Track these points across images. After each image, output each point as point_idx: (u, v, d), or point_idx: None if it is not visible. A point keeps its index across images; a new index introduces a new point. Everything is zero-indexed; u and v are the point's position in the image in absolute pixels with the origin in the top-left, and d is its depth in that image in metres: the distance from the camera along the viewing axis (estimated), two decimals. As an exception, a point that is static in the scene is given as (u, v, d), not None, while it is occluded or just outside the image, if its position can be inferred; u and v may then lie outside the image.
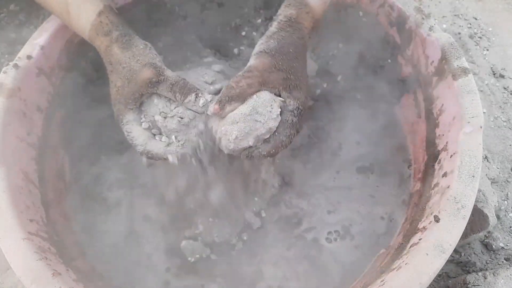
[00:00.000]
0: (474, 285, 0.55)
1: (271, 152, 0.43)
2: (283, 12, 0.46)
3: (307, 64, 0.46)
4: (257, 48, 0.45)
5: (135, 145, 0.46)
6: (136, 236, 0.55)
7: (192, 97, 0.44)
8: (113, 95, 0.47)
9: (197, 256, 0.53)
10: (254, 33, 0.70)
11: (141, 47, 0.47)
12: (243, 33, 0.70)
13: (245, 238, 0.55)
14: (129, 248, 0.54)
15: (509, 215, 0.69)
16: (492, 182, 0.71)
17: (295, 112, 0.43)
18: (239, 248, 0.54)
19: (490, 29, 0.96)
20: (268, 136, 0.43)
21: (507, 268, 0.56)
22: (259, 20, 0.67)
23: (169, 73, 0.45)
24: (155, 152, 0.45)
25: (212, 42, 0.70)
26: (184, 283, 0.52)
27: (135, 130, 0.46)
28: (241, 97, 0.42)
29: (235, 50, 0.69)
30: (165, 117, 0.45)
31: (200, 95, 0.44)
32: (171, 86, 0.44)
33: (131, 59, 0.45)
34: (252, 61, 0.44)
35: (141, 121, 0.47)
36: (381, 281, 0.41)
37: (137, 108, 0.47)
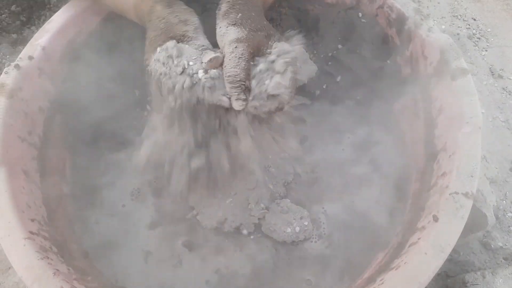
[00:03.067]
0: (473, 284, 0.56)
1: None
2: None
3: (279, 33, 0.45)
4: (222, 29, 0.43)
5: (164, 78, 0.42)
6: (137, 236, 0.55)
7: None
8: (146, 47, 0.46)
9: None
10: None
11: (183, 7, 0.47)
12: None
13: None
14: (131, 247, 0.54)
15: (508, 214, 0.70)
16: (490, 182, 0.72)
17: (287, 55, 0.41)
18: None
19: (489, 30, 0.97)
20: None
21: (506, 267, 0.57)
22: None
23: (201, 35, 0.45)
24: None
25: (212, 41, 0.70)
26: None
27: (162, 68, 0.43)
28: (247, 76, 0.40)
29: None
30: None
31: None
32: (199, 47, 0.43)
33: (170, 14, 0.45)
34: (229, 37, 0.42)
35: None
36: (380, 280, 0.41)
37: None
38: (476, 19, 0.98)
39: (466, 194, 0.42)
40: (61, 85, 0.57)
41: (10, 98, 0.50)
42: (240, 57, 0.40)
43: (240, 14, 0.43)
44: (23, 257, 0.41)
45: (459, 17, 0.98)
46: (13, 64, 0.52)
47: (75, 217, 0.55)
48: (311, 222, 0.55)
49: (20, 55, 0.53)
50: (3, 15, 0.87)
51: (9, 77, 0.51)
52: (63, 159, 0.58)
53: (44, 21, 0.57)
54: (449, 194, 0.43)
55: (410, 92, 0.61)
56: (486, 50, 0.93)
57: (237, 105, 0.39)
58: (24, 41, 0.55)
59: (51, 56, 0.55)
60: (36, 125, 0.54)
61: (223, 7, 0.45)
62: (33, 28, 0.86)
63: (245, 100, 0.39)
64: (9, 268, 0.61)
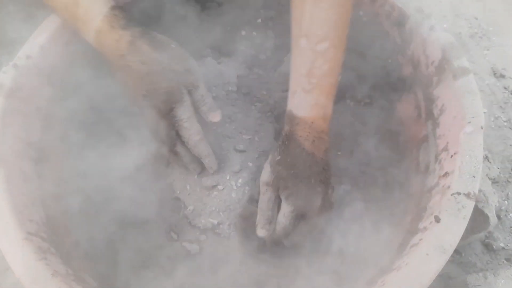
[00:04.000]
0: (474, 286, 0.55)
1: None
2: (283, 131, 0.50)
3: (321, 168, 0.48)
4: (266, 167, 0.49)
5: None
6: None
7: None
8: (160, 94, 0.47)
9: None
10: (254, 33, 0.70)
11: (173, 46, 0.48)
12: (243, 33, 0.70)
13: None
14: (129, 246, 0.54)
15: (510, 215, 0.69)
16: (492, 182, 0.71)
17: (287, 214, 0.47)
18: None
19: (491, 29, 0.96)
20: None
21: (508, 268, 0.56)
22: (259, 20, 0.67)
23: (202, 84, 0.49)
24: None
25: (212, 41, 0.70)
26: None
27: (195, 124, 0.49)
28: (272, 211, 0.48)
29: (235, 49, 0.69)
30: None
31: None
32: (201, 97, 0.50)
33: (171, 61, 0.47)
34: (262, 175, 0.49)
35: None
36: (381, 281, 0.41)
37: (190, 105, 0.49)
38: (478, 18, 0.98)
39: (468, 195, 0.42)
40: (59, 84, 0.57)
41: (8, 98, 0.49)
42: (267, 200, 0.48)
43: (278, 157, 0.48)
44: (21, 258, 0.40)
45: (460, 16, 0.98)
46: (11, 63, 0.52)
47: (74, 217, 0.55)
48: None
49: (18, 54, 0.53)
50: (1, 14, 0.86)
51: (7, 76, 0.50)
52: (62, 159, 0.58)
53: (43, 19, 0.57)
54: (451, 195, 0.42)
55: (411, 92, 0.60)
56: (488, 49, 0.92)
57: (260, 232, 0.48)
58: (22, 40, 0.55)
59: (50, 55, 0.55)
60: (35, 125, 0.53)
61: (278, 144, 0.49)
62: (31, 27, 0.86)
63: (268, 230, 0.47)
64: (7, 269, 0.61)
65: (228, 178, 0.55)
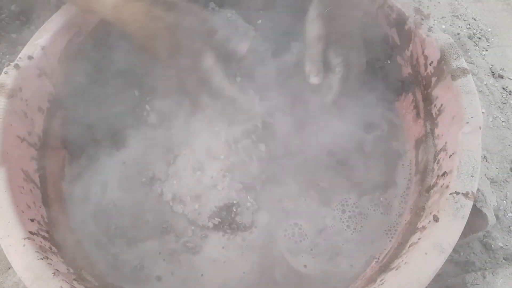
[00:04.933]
0: (473, 285, 0.56)
1: None
2: None
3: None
4: (313, 13, 0.53)
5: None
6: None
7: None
8: (179, 54, 0.49)
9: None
10: (254, 33, 0.70)
11: (183, 4, 0.50)
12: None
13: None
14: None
15: (508, 214, 0.70)
16: (491, 182, 0.72)
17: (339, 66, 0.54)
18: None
19: (489, 29, 0.97)
20: None
21: (506, 268, 0.57)
22: (259, 22, 0.67)
23: (219, 29, 0.52)
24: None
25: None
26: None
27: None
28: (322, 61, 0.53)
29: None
30: None
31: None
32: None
33: (186, 18, 0.49)
34: (314, 32, 0.53)
35: None
36: (380, 280, 0.41)
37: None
38: (477, 19, 0.98)
39: (466, 194, 0.42)
40: (60, 85, 0.57)
41: (9, 98, 0.50)
42: (318, 52, 0.53)
43: (330, 8, 0.51)
44: (23, 257, 0.40)
45: (459, 16, 0.98)
46: (12, 64, 0.52)
47: (75, 217, 0.55)
48: None
49: (20, 55, 0.53)
50: (2, 15, 0.87)
51: (8, 77, 0.51)
52: (63, 159, 0.58)
53: (44, 21, 0.57)
54: (450, 194, 0.43)
55: (410, 92, 0.61)
56: (487, 50, 0.92)
57: (314, 80, 0.53)
58: (23, 41, 0.55)
59: (51, 56, 0.55)
60: (36, 125, 0.54)
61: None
62: (32, 28, 0.86)
63: (321, 78, 0.52)
64: (9, 268, 0.61)
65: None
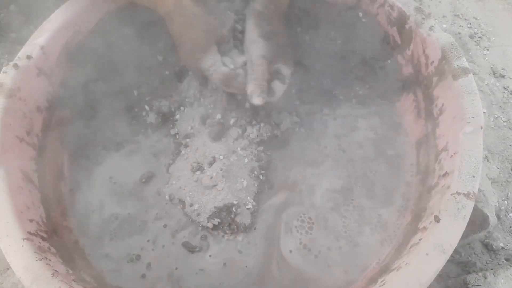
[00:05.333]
0: (474, 285, 0.55)
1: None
2: None
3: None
4: (252, 36, 0.53)
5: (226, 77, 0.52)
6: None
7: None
8: (189, 45, 0.51)
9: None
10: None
11: (212, 2, 0.53)
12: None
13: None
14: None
15: (509, 215, 0.69)
16: (492, 182, 0.71)
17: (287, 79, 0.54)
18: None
19: (490, 29, 0.96)
20: None
21: (507, 268, 0.56)
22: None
23: (231, 37, 0.54)
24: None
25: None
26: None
27: (222, 67, 0.52)
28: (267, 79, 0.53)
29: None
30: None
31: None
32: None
33: (210, 14, 0.51)
34: (258, 51, 0.52)
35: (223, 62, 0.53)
36: (381, 281, 0.41)
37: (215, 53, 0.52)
38: (478, 18, 0.98)
39: (467, 195, 0.42)
40: (59, 84, 0.57)
41: (8, 98, 0.49)
42: (263, 71, 0.52)
43: (270, 27, 0.53)
44: (22, 258, 0.40)
45: (460, 16, 0.98)
46: (11, 63, 0.52)
47: (74, 217, 0.55)
48: None
49: (19, 55, 0.53)
50: (1, 14, 0.86)
51: (7, 76, 0.50)
52: (62, 159, 0.58)
53: (43, 20, 0.57)
54: (451, 195, 0.42)
55: (411, 92, 0.61)
56: (488, 50, 0.92)
57: (257, 100, 0.51)
58: (22, 41, 0.55)
59: (50, 56, 0.55)
60: (35, 125, 0.53)
61: (257, 6, 0.53)
62: (31, 27, 0.86)
63: (264, 98, 0.51)
64: (8, 268, 0.61)
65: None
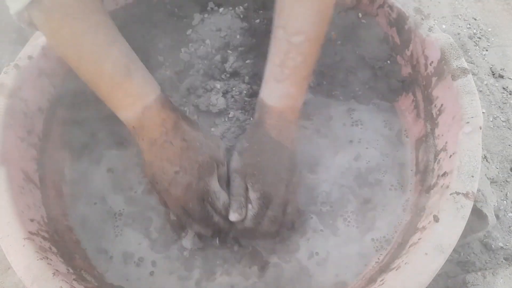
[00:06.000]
0: (473, 285, 0.56)
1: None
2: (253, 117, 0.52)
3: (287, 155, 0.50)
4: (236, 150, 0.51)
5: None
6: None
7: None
8: (194, 169, 0.47)
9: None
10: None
11: (211, 136, 0.53)
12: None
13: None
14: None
15: (508, 215, 0.70)
16: (491, 182, 0.72)
17: (254, 201, 0.48)
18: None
19: (490, 29, 0.97)
20: None
21: (506, 268, 0.57)
22: (258, 21, 0.67)
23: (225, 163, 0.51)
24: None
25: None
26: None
27: (223, 193, 0.49)
28: (243, 197, 0.49)
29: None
30: None
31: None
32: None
33: (207, 139, 0.50)
34: (232, 163, 0.51)
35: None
36: (381, 280, 0.41)
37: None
38: (477, 18, 0.98)
39: (466, 195, 0.42)
40: (60, 85, 0.57)
41: (9, 98, 0.50)
42: (238, 186, 0.49)
43: (246, 144, 0.50)
44: (23, 257, 0.41)
45: (459, 16, 0.98)
46: (12, 63, 0.52)
47: (75, 217, 0.55)
48: None
49: (20, 55, 0.53)
50: (2, 15, 0.87)
51: (8, 76, 0.51)
52: (63, 159, 0.58)
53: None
54: (450, 194, 0.43)
55: (410, 92, 0.61)
56: (487, 50, 0.92)
57: (232, 216, 0.47)
58: (23, 41, 0.55)
59: (51, 56, 0.55)
60: (36, 125, 0.54)
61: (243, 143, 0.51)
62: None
63: (240, 215, 0.47)
64: (9, 268, 0.61)
65: None
